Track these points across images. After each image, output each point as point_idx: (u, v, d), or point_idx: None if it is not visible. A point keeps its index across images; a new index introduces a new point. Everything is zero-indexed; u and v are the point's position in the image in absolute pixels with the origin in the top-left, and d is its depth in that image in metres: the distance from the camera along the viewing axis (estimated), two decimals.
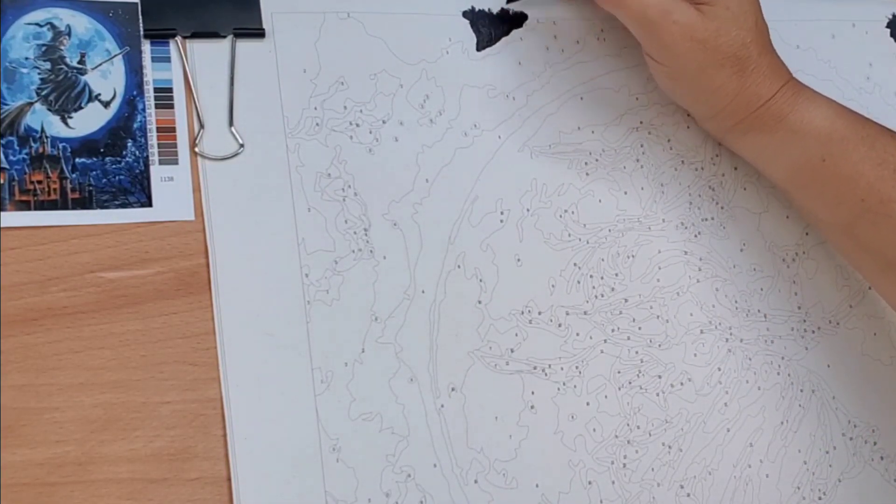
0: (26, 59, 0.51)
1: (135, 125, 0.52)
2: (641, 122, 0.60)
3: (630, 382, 0.55)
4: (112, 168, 0.51)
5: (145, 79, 0.53)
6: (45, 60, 0.52)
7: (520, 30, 0.60)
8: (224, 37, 0.55)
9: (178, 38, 0.54)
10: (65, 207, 0.50)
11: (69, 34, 0.52)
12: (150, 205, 0.51)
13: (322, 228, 0.53)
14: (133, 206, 0.51)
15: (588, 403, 0.54)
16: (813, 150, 0.53)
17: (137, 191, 0.51)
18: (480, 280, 0.54)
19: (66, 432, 0.47)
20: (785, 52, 0.64)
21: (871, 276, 0.56)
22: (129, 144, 0.52)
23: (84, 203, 0.50)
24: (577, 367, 0.55)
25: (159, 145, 0.52)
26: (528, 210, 0.57)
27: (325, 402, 0.50)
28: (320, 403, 0.50)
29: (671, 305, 0.57)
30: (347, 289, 0.52)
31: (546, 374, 0.54)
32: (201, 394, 0.49)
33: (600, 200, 0.58)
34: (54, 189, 0.50)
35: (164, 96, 0.53)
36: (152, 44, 0.54)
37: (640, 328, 0.57)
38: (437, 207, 0.55)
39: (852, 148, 0.53)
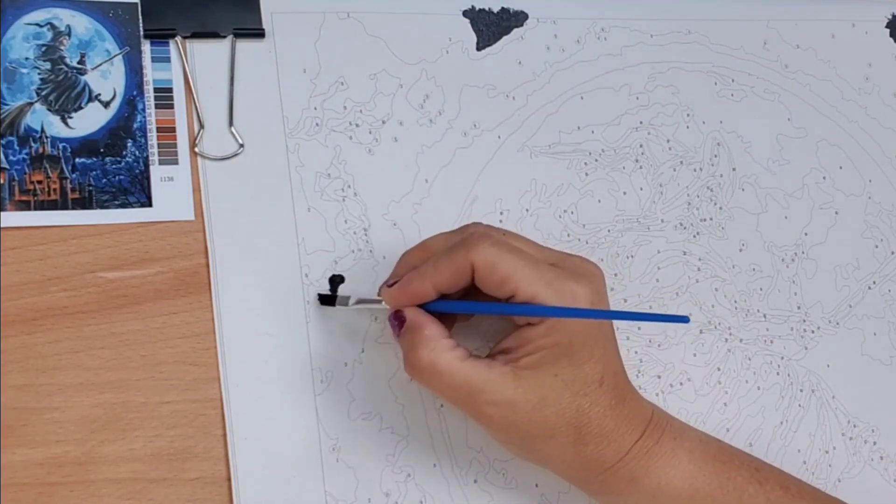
0: (26, 59, 0.51)
1: (135, 125, 0.52)
2: (641, 123, 0.60)
3: None
4: (112, 168, 0.51)
5: (145, 79, 0.53)
6: (45, 60, 0.52)
7: (520, 29, 0.60)
8: (224, 37, 0.55)
9: (178, 38, 0.54)
10: (65, 207, 0.50)
11: (69, 34, 0.52)
12: (150, 205, 0.51)
13: (322, 228, 0.53)
14: (133, 206, 0.51)
15: None
16: None
17: (137, 191, 0.51)
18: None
19: (66, 432, 0.47)
20: (785, 52, 0.64)
21: None
22: (129, 144, 0.52)
23: (84, 203, 0.50)
24: None
25: (159, 145, 0.52)
26: (527, 210, 0.57)
27: (325, 402, 0.50)
28: (320, 403, 0.50)
29: (670, 305, 0.57)
30: (347, 289, 0.52)
31: None
32: (201, 394, 0.49)
33: (599, 201, 0.58)
34: (54, 189, 0.50)
35: (164, 96, 0.53)
36: (152, 44, 0.54)
37: (639, 328, 0.57)
38: (436, 207, 0.55)
39: None
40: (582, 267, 0.46)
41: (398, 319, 0.46)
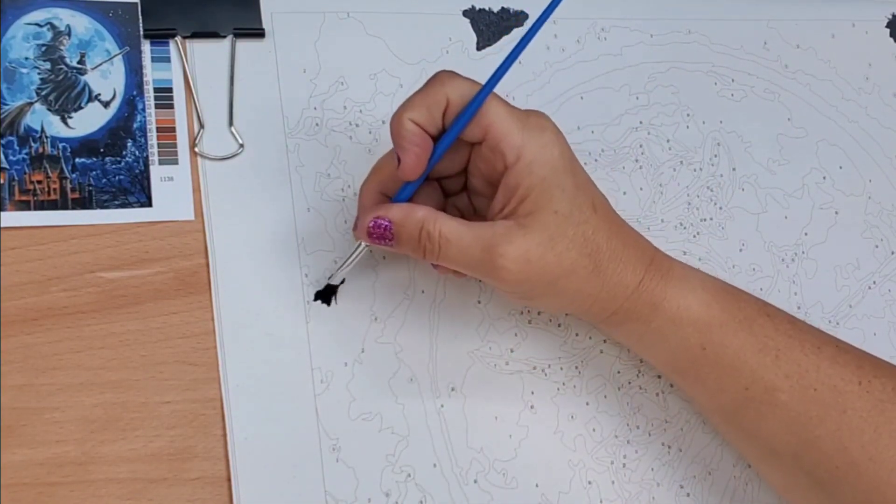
0: (26, 59, 0.51)
1: (135, 125, 0.52)
2: (641, 122, 0.60)
3: (629, 382, 0.55)
4: (112, 168, 0.51)
5: (145, 79, 0.53)
6: (45, 60, 0.52)
7: (520, 29, 0.60)
8: (224, 37, 0.55)
9: (178, 38, 0.54)
10: (65, 207, 0.50)
11: (69, 34, 0.52)
12: (149, 205, 0.51)
13: (322, 228, 0.53)
14: (133, 206, 0.51)
15: (588, 403, 0.54)
16: (692, 338, 0.48)
17: (137, 191, 0.51)
18: (480, 280, 0.54)
19: (66, 432, 0.47)
20: (785, 52, 0.64)
21: (755, 461, 0.53)
22: (129, 144, 0.52)
23: (84, 203, 0.50)
24: (576, 367, 0.55)
25: (159, 145, 0.52)
26: None
27: (325, 402, 0.50)
28: (320, 403, 0.50)
29: None
30: (347, 289, 0.52)
31: (546, 374, 0.54)
32: (201, 394, 0.49)
33: None
34: (54, 189, 0.50)
35: (164, 96, 0.53)
36: (152, 44, 0.54)
37: None
38: None
39: (731, 333, 0.48)
40: (539, 112, 0.48)
41: (382, 229, 0.47)
